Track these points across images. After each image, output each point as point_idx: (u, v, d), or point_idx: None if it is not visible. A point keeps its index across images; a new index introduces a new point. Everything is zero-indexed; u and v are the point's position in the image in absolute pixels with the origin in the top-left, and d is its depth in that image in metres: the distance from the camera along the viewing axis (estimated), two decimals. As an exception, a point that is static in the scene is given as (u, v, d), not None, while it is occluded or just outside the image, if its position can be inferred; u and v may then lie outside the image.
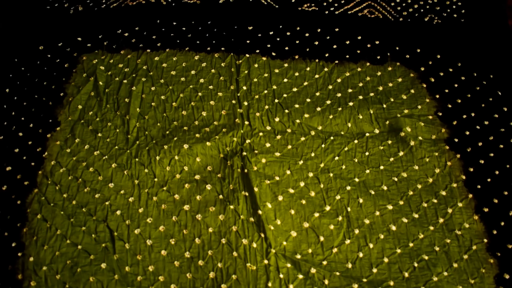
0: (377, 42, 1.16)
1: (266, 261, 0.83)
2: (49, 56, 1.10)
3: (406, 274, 0.83)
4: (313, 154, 0.97)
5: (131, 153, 0.96)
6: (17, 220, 0.86)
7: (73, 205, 0.88)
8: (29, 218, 0.86)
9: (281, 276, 0.82)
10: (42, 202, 0.88)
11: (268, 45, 1.14)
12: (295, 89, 1.07)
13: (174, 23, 1.17)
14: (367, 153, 0.98)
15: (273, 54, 1.12)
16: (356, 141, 0.99)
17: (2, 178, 0.91)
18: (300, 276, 0.82)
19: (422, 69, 1.11)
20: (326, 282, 0.81)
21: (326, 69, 1.10)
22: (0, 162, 0.93)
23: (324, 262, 0.84)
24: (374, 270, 0.84)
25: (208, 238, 0.86)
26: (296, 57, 1.12)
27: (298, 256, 0.84)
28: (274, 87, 1.07)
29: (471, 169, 0.96)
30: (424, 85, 1.08)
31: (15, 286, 0.79)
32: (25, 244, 0.83)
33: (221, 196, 0.90)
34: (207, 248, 0.84)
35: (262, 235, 0.86)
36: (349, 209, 0.90)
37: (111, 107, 1.02)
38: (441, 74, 1.10)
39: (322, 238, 0.87)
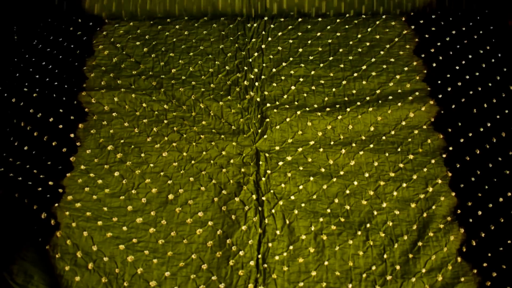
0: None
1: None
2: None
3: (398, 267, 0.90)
4: (311, 159, 1.03)
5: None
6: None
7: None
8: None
9: None
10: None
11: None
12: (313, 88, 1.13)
13: None
14: (364, 156, 1.03)
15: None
16: (354, 144, 1.05)
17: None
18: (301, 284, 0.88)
19: (425, 71, 1.14)
20: (325, 283, 0.89)
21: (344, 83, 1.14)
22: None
23: (326, 263, 0.90)
24: (373, 268, 0.90)
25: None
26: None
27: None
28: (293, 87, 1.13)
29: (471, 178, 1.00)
30: (424, 85, 1.12)
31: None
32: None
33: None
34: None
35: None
36: (348, 208, 0.97)
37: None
38: (441, 74, 1.13)
39: (324, 237, 0.93)
